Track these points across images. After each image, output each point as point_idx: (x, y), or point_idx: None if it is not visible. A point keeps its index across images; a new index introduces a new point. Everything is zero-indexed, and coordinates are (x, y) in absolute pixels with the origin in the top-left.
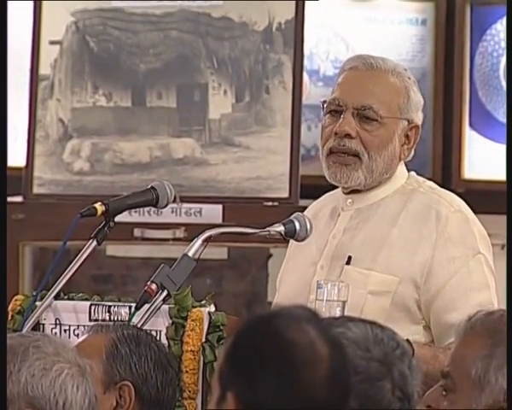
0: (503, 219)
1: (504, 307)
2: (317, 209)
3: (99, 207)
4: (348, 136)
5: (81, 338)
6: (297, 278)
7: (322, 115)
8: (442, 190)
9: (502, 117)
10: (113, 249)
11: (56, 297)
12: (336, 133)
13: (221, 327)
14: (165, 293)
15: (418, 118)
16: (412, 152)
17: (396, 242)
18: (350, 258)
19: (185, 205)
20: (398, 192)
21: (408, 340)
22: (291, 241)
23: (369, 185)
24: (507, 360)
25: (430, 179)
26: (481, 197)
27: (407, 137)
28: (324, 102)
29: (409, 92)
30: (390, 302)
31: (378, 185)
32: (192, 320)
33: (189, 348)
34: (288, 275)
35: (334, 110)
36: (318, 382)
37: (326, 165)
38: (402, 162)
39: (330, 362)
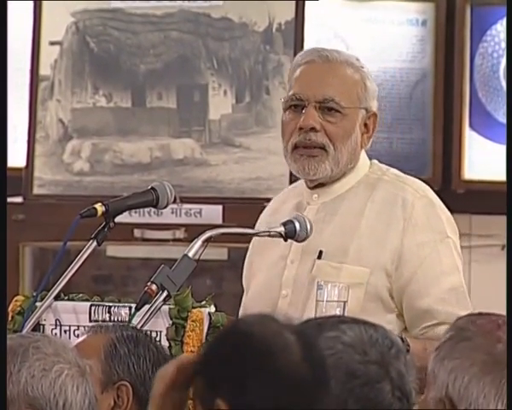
0: (503, 219)
1: (503, 306)
2: (278, 204)
3: (99, 207)
4: (313, 129)
5: (80, 338)
6: (267, 274)
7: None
8: (407, 176)
9: (502, 118)
10: (114, 250)
11: (56, 298)
12: (301, 128)
13: (221, 328)
14: (165, 294)
15: (375, 106)
16: (371, 140)
17: (364, 233)
18: (321, 252)
19: (185, 206)
20: (363, 182)
21: (401, 337)
22: (252, 241)
23: (334, 177)
24: (507, 361)
25: (430, 180)
26: (481, 198)
27: (365, 125)
28: (282, 99)
29: (365, 81)
30: (364, 294)
31: (342, 177)
32: (192, 321)
33: (190, 349)
34: (257, 271)
35: (295, 105)
36: (297, 362)
37: (292, 159)
38: (363, 151)
39: (300, 344)
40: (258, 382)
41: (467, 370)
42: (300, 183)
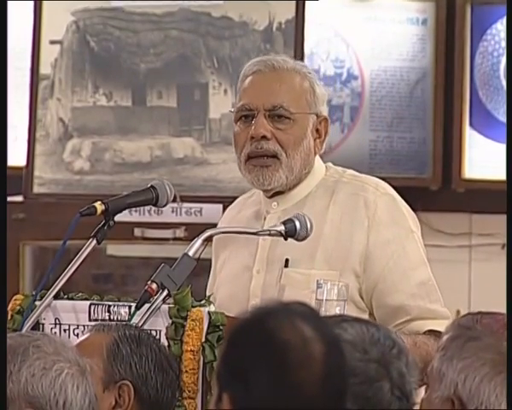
0: (503, 218)
1: (504, 305)
2: (234, 212)
3: (99, 206)
4: (264, 138)
5: (83, 337)
6: (232, 286)
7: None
8: (364, 176)
9: (502, 117)
10: (114, 249)
11: (56, 297)
12: (253, 137)
13: (221, 327)
14: (165, 293)
15: (325, 111)
16: (324, 145)
17: (330, 236)
18: (287, 260)
19: (185, 204)
20: (322, 186)
21: (395, 333)
22: (214, 251)
23: (290, 184)
24: (507, 361)
25: (431, 179)
26: (481, 197)
27: (317, 131)
28: (232, 110)
29: (313, 87)
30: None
31: (299, 182)
32: (192, 320)
33: (189, 348)
34: (220, 285)
35: (245, 115)
36: (312, 383)
37: (247, 170)
38: (317, 156)
39: (324, 362)
40: (268, 390)
41: (478, 370)
42: (257, 192)
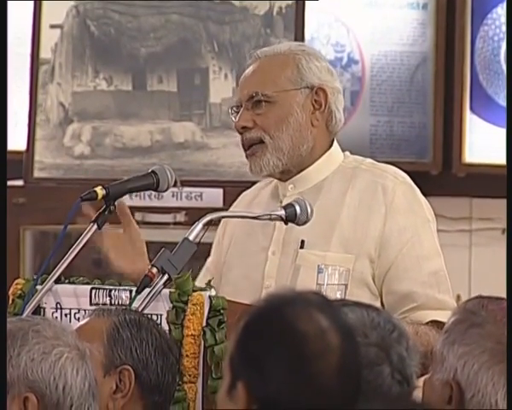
0: (503, 203)
1: (504, 290)
2: (249, 198)
3: (99, 190)
4: (245, 128)
5: (83, 321)
6: (245, 266)
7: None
8: (383, 164)
9: (502, 101)
10: None
11: (57, 281)
12: (238, 130)
13: (222, 311)
14: (165, 277)
15: (322, 81)
16: (338, 117)
17: (347, 221)
18: (303, 242)
19: (186, 189)
20: (339, 172)
21: None
22: (222, 225)
23: (293, 164)
24: (507, 358)
25: (431, 163)
26: (482, 181)
27: (316, 102)
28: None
29: (298, 62)
30: (350, 280)
31: (310, 163)
32: (193, 304)
33: (190, 333)
34: (235, 264)
35: (237, 111)
36: (329, 373)
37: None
38: (335, 142)
39: (341, 353)
40: (286, 379)
41: (477, 357)
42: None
